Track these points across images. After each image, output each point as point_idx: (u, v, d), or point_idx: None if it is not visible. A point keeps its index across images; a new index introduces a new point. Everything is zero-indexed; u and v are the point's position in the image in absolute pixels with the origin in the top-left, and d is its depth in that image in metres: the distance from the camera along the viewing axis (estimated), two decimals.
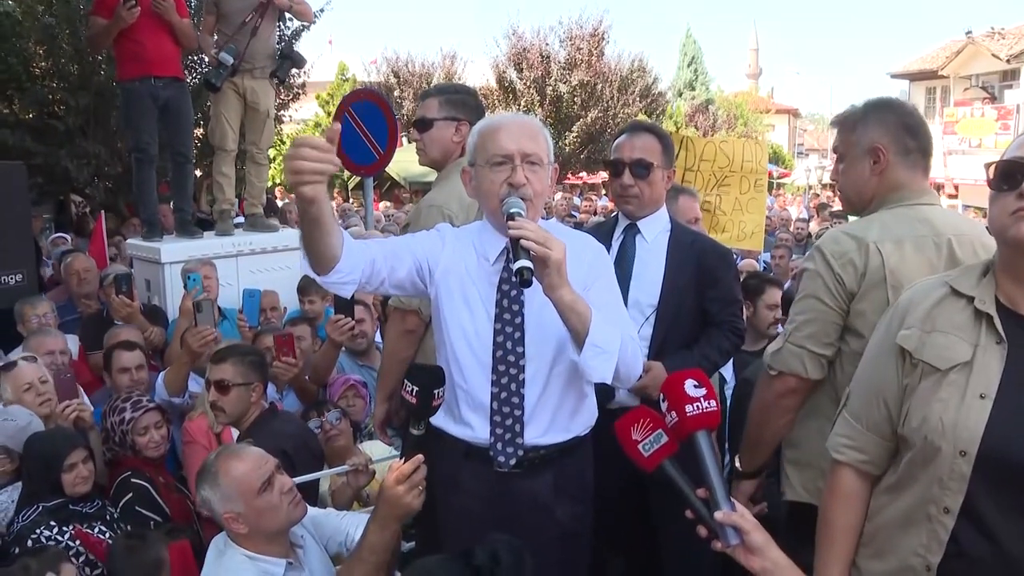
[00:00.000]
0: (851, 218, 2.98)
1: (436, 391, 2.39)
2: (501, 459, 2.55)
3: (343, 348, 5.04)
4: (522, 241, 2.26)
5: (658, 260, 3.33)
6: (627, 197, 3.36)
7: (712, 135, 28.81)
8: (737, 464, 2.96)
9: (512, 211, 2.39)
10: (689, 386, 1.93)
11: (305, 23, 7.15)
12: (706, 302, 3.35)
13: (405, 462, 2.40)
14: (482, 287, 2.59)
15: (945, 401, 1.88)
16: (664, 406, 1.97)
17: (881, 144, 2.61)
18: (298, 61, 7.05)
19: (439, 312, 2.64)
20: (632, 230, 3.40)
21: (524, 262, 2.25)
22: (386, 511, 2.44)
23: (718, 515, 1.87)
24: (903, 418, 1.98)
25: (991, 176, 1.88)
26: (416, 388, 2.37)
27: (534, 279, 2.26)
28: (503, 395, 2.54)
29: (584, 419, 2.67)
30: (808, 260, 2.64)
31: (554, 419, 2.57)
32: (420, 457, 2.42)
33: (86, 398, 4.59)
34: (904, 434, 1.97)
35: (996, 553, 1.81)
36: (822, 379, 2.62)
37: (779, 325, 4.64)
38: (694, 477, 1.94)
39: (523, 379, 2.53)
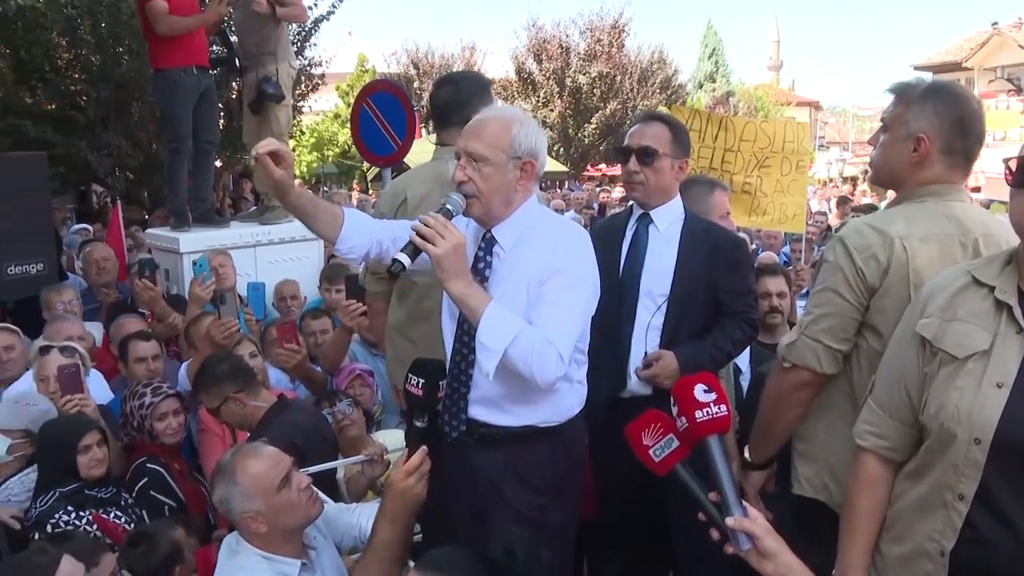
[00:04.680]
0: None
1: (440, 383, 2.50)
2: (447, 428, 2.71)
3: (359, 337, 5.06)
4: (411, 235, 2.45)
5: (670, 249, 3.32)
6: (633, 184, 3.36)
7: None
8: (747, 455, 2.92)
9: (446, 207, 2.53)
10: (699, 391, 1.91)
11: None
12: (719, 292, 3.32)
13: (410, 455, 2.48)
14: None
15: (962, 389, 1.89)
16: (675, 410, 1.95)
17: (927, 135, 2.47)
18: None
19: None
20: (645, 219, 3.39)
21: (400, 254, 2.48)
22: (397, 504, 2.48)
23: (729, 521, 1.87)
24: (923, 406, 1.99)
25: (1010, 172, 1.87)
26: (421, 380, 2.46)
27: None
28: (455, 371, 2.69)
29: (541, 412, 2.68)
30: (829, 251, 2.53)
31: (499, 402, 2.64)
32: (425, 448, 2.49)
33: (106, 386, 4.64)
34: (923, 421, 1.99)
35: (1012, 538, 1.82)
36: (836, 374, 2.54)
37: (776, 314, 4.58)
38: (707, 479, 1.93)
39: (472, 359, 2.65)
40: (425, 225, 2.43)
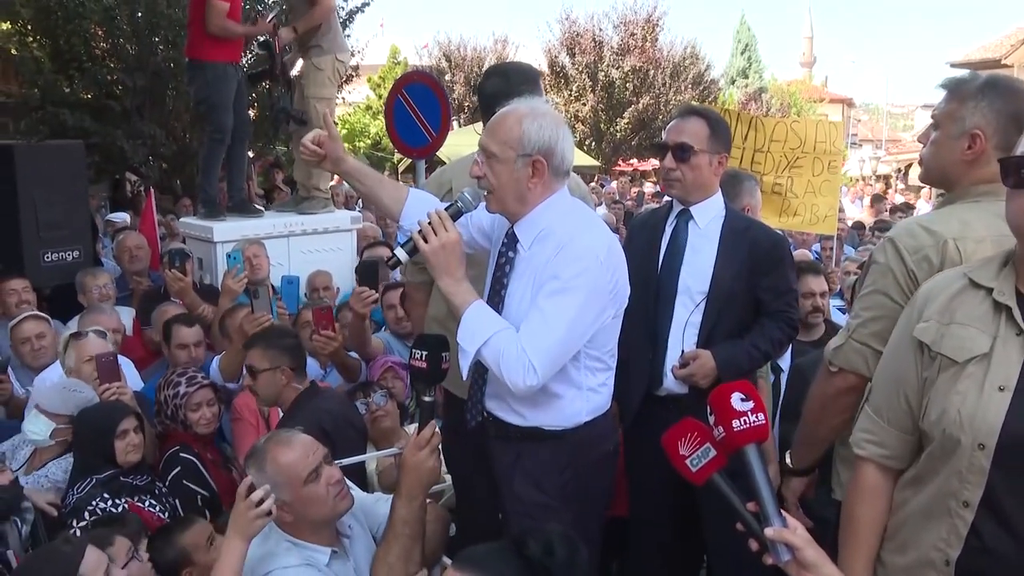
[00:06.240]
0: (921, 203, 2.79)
1: (444, 355, 2.60)
2: (468, 416, 2.84)
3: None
4: (412, 231, 2.55)
5: (710, 246, 3.27)
6: (670, 181, 3.31)
7: None
8: (788, 460, 2.85)
9: (456, 203, 2.61)
10: (736, 399, 1.87)
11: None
12: (759, 291, 3.27)
13: (420, 431, 2.60)
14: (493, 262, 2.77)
15: (963, 394, 1.85)
16: (711, 419, 1.92)
17: (983, 132, 2.33)
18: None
19: None
20: (685, 215, 3.34)
21: (399, 249, 2.59)
22: (412, 480, 2.57)
23: (768, 532, 1.83)
24: (923, 412, 1.95)
25: (1007, 173, 1.83)
26: (425, 353, 2.58)
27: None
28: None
29: (545, 415, 2.67)
30: (879, 252, 2.44)
31: (507, 400, 2.69)
32: (434, 423, 2.61)
33: (136, 374, 4.67)
34: (924, 428, 1.95)
35: (1017, 547, 1.78)
36: None
37: (818, 313, 4.50)
38: (743, 483, 1.89)
39: None
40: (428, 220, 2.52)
